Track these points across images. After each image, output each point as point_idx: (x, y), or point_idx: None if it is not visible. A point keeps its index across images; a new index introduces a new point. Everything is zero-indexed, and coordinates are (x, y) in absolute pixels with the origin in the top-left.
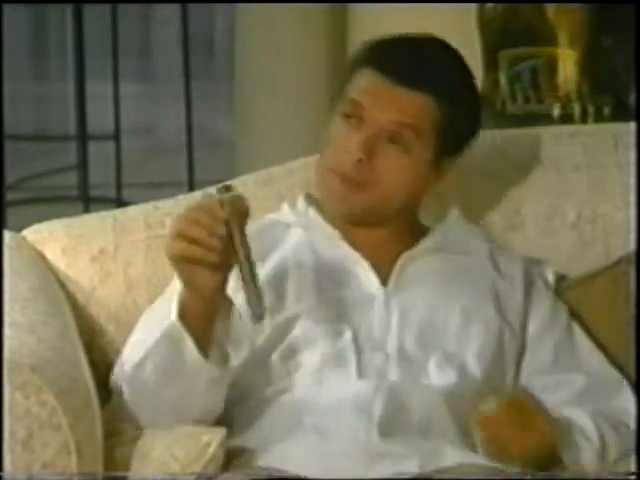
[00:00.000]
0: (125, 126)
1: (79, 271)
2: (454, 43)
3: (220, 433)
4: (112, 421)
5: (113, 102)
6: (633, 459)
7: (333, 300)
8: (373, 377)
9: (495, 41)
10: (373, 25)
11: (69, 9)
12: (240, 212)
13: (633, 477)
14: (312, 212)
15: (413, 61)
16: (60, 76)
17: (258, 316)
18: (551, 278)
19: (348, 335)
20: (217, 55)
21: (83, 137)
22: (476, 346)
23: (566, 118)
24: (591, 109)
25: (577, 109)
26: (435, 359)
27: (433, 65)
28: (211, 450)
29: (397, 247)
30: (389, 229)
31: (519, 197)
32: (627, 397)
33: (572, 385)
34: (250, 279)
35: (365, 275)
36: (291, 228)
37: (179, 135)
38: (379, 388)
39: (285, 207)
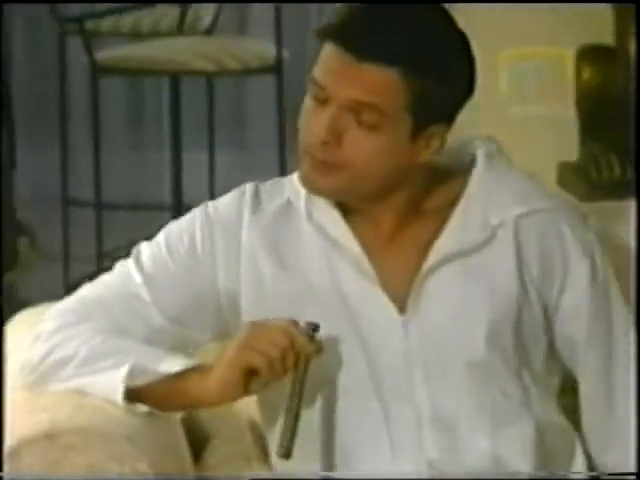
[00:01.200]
0: (219, 195)
1: None
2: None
3: None
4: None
5: (208, 171)
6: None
7: (351, 335)
8: (410, 455)
9: (592, 113)
10: None
11: (166, 80)
12: (314, 352)
13: (633, 477)
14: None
15: (372, 33)
16: (156, 145)
17: (286, 454)
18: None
19: (369, 386)
20: None
21: (178, 207)
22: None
23: None
24: None
25: None
26: (467, 422)
27: (396, 36)
28: None
29: (409, 242)
30: (387, 211)
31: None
32: None
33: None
34: (295, 415)
35: (378, 300)
36: (305, 224)
37: None
38: (421, 473)
39: (300, 191)
